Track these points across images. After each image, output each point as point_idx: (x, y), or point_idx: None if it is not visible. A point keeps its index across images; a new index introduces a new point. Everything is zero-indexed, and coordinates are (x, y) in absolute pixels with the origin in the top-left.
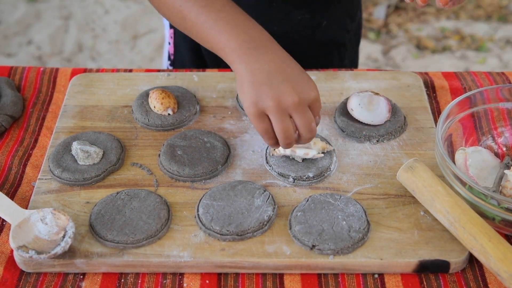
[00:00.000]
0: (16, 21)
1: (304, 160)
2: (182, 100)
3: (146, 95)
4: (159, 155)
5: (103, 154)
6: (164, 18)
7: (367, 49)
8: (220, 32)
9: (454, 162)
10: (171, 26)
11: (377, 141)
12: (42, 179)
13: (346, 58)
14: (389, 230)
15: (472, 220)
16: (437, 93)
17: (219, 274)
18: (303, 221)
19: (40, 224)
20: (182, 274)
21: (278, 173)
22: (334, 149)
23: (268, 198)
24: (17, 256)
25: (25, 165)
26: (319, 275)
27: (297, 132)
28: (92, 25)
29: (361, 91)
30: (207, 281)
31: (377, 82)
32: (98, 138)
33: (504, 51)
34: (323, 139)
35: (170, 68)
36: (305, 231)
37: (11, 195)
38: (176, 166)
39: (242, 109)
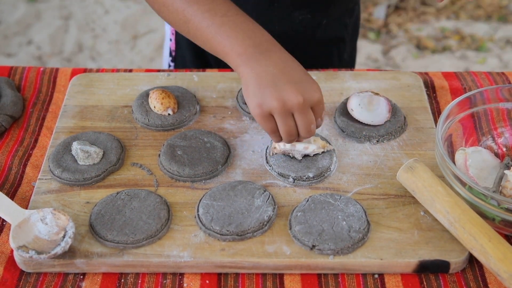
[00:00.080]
0: (16, 21)
1: (304, 159)
2: (182, 100)
3: (146, 95)
4: (159, 155)
5: (103, 154)
6: None
7: (367, 49)
8: (224, 37)
9: (454, 162)
10: None
11: (377, 141)
12: (42, 179)
13: (345, 53)
14: (389, 230)
15: (472, 220)
16: (437, 93)
17: (219, 274)
18: (303, 221)
19: (40, 224)
20: (182, 274)
21: (278, 173)
22: (334, 149)
23: (268, 198)
24: (17, 256)
25: (25, 165)
26: (319, 275)
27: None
28: (92, 25)
29: (361, 91)
30: (207, 281)
31: (377, 82)
32: (98, 138)
33: (504, 51)
34: (323, 138)
35: (171, 64)
36: (305, 231)
37: (11, 195)
38: (176, 166)
39: (242, 109)
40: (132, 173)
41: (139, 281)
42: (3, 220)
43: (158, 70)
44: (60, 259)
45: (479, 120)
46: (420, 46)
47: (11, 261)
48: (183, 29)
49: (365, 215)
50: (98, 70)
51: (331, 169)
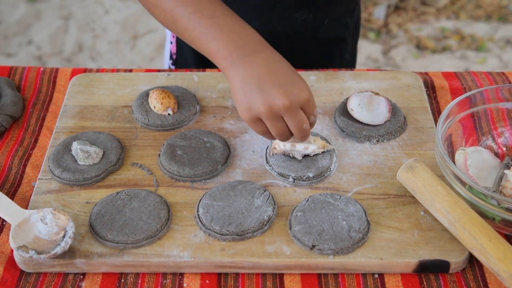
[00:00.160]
0: (16, 21)
1: (304, 159)
2: (182, 100)
3: (146, 95)
4: (159, 155)
5: (103, 154)
6: None
7: (367, 49)
8: (210, 40)
9: (454, 162)
10: None
11: (377, 141)
12: (42, 179)
13: (346, 53)
14: (389, 230)
15: (472, 220)
16: (437, 93)
17: (219, 274)
18: (303, 221)
19: (40, 224)
20: (182, 274)
21: (278, 173)
22: (334, 149)
23: (268, 198)
24: (17, 256)
25: (25, 165)
26: (319, 275)
27: None
28: (92, 25)
29: (361, 91)
30: (207, 281)
31: (377, 82)
32: (98, 138)
33: (504, 51)
34: (323, 138)
35: (172, 67)
36: (305, 231)
37: (11, 195)
38: (176, 166)
39: None
40: (132, 173)
41: (139, 281)
42: (3, 220)
43: (158, 70)
44: (60, 259)
45: (479, 120)
46: (420, 46)
47: (11, 261)
48: (172, 29)
49: (365, 215)
50: (98, 70)
51: (331, 169)
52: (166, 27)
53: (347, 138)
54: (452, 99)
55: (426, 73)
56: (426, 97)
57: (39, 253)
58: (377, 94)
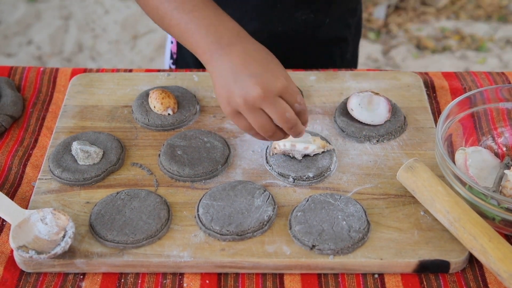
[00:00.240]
0: (16, 21)
1: (304, 159)
2: (182, 100)
3: (146, 95)
4: (159, 155)
5: (103, 154)
6: None
7: (367, 49)
8: (190, 35)
9: (454, 162)
10: None
11: (377, 141)
12: (42, 179)
13: (348, 53)
14: (389, 230)
15: (472, 220)
16: (437, 93)
17: (219, 274)
18: (303, 221)
19: (40, 224)
20: (182, 274)
21: (278, 173)
22: (334, 149)
23: (268, 198)
24: (17, 256)
25: (25, 165)
26: (319, 275)
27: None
28: (92, 25)
29: (361, 91)
30: (207, 281)
31: (377, 82)
32: (98, 138)
33: (504, 51)
34: (323, 138)
35: (173, 67)
36: (305, 231)
37: (11, 195)
38: (176, 166)
39: None
40: (132, 173)
41: (139, 281)
42: (3, 220)
43: (158, 70)
44: (60, 259)
45: (479, 120)
46: (420, 46)
47: (11, 261)
48: (162, 26)
49: (365, 215)
50: (98, 70)
51: (331, 169)
52: (157, 24)
53: (347, 138)
54: (452, 99)
55: (426, 73)
56: (426, 97)
57: (39, 253)
58: (377, 94)
